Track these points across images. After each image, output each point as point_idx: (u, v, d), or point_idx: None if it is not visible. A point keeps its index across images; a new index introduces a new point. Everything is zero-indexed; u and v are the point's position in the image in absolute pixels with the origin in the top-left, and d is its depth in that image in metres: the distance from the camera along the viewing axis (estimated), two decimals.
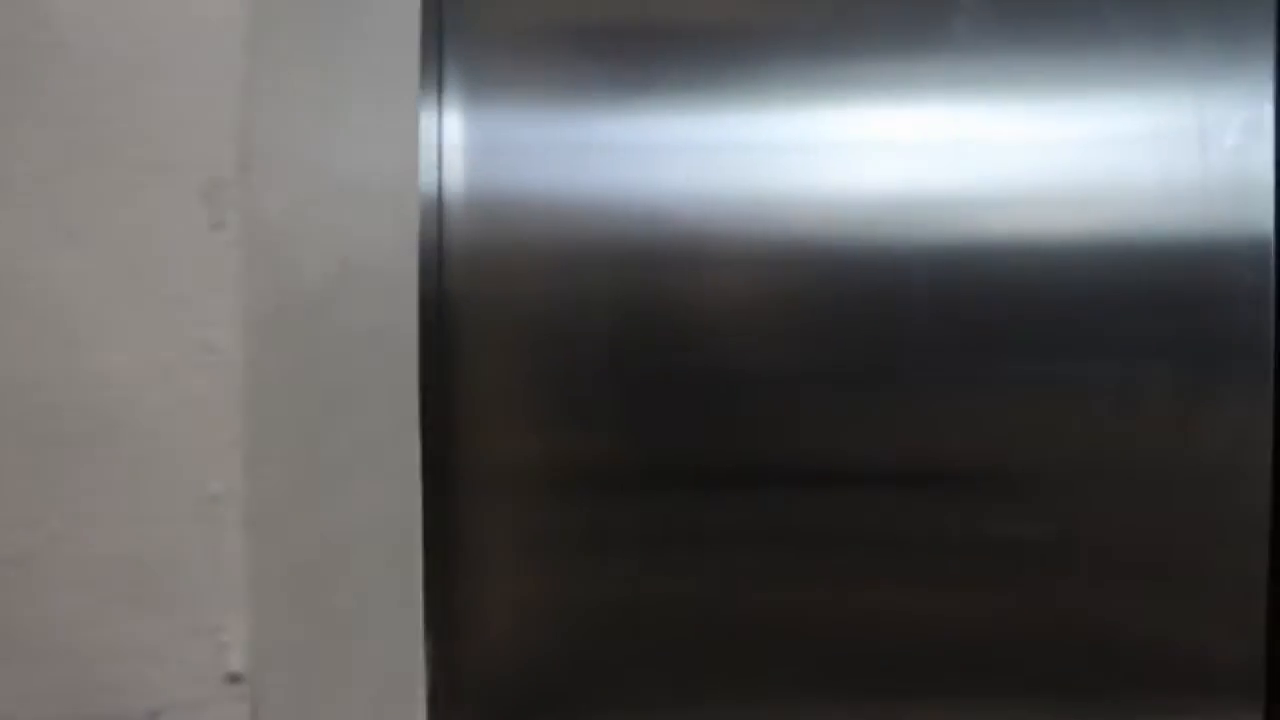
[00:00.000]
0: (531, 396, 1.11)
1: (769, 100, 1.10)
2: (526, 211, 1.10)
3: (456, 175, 1.10)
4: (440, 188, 1.10)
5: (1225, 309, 1.07)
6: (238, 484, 1.09)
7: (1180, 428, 1.08)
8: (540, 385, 1.11)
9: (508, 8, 1.13)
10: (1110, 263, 1.08)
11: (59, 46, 1.09)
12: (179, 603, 1.09)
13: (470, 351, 1.10)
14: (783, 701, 1.14)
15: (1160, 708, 1.13)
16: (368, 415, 1.10)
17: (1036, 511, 1.10)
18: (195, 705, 1.09)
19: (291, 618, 1.10)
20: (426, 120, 1.10)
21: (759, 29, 1.11)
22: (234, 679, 1.09)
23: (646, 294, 1.10)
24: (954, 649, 1.12)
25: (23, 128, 1.09)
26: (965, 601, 1.12)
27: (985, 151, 1.09)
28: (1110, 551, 1.10)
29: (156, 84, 1.08)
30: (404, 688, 1.11)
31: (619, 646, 1.13)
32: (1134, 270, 1.07)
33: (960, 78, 1.09)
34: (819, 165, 1.09)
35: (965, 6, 1.08)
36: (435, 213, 1.09)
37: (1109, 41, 1.08)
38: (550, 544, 1.12)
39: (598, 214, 1.10)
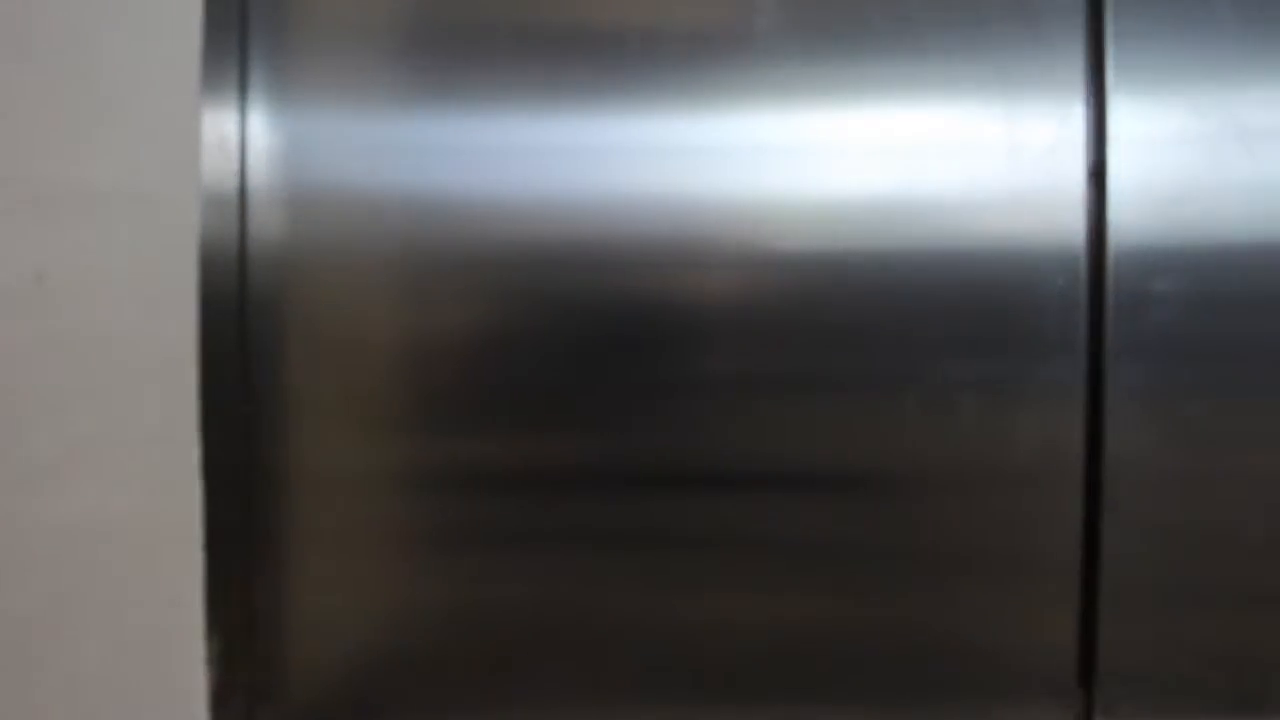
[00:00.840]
0: (331, 395, 1.09)
1: (569, 103, 1.09)
2: (328, 210, 1.08)
3: (260, 174, 1.08)
4: (243, 187, 1.07)
5: (1036, 313, 1.06)
6: None
7: (992, 429, 1.07)
8: (341, 384, 1.09)
9: (316, 7, 1.10)
10: (920, 267, 1.07)
11: None
12: None
13: (269, 351, 1.08)
14: (591, 706, 1.13)
15: (975, 707, 1.12)
16: (68, 422, 1.07)
17: (847, 512, 1.09)
18: None
19: None
20: (227, 119, 1.08)
21: (559, 32, 1.10)
22: None
23: (449, 293, 1.08)
24: (775, 652, 1.11)
25: None
26: (779, 604, 1.11)
27: (794, 159, 1.08)
28: (924, 552, 1.09)
29: None
30: (115, 689, 1.09)
31: (421, 648, 1.11)
32: (944, 275, 1.07)
33: (764, 83, 1.08)
34: (615, 168, 1.08)
35: (765, 8, 1.07)
36: (237, 211, 1.07)
37: (918, 46, 1.08)
38: (352, 545, 1.11)
39: (402, 213, 1.08)
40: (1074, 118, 1.07)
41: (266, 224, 1.07)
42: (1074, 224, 1.07)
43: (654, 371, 1.08)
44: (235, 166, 1.07)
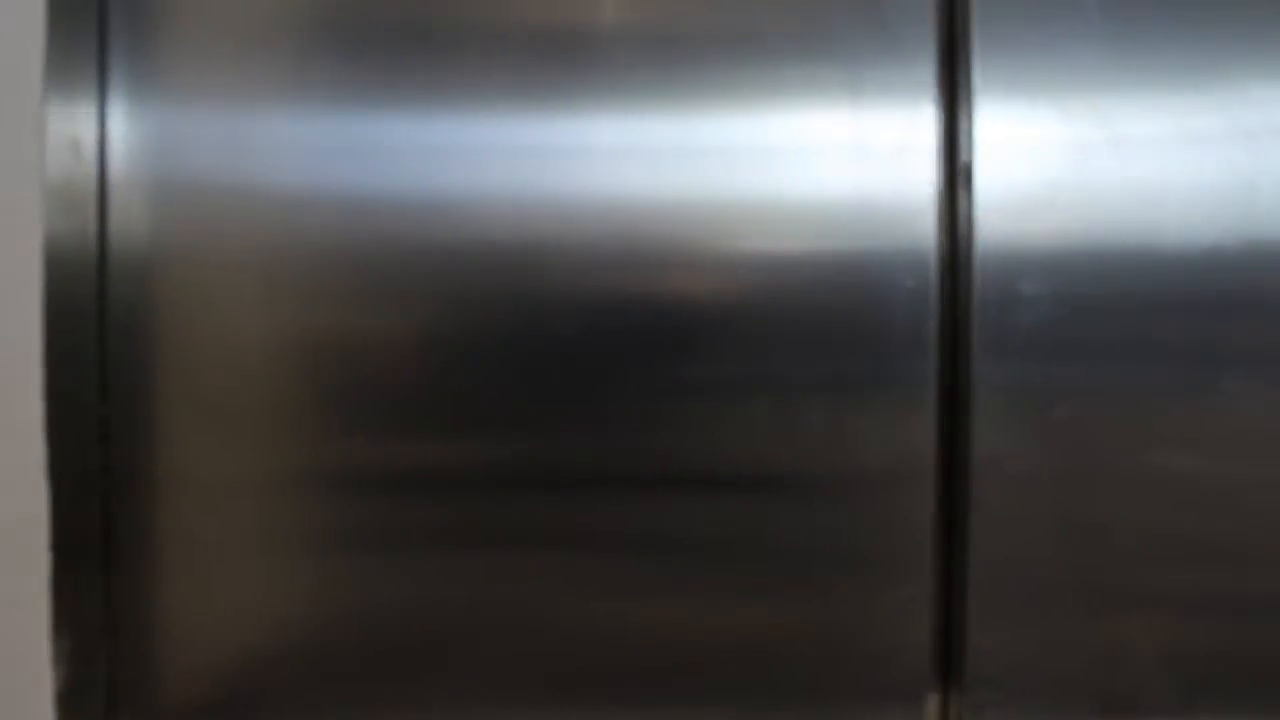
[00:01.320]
0: (194, 396, 1.09)
1: (435, 99, 1.09)
2: (192, 207, 1.08)
3: (121, 171, 1.08)
4: (103, 184, 1.07)
5: (887, 314, 1.07)
6: None
7: (843, 431, 1.07)
8: (204, 385, 1.09)
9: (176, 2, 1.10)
10: (769, 269, 1.07)
11: None
12: None
13: (129, 351, 1.07)
14: (452, 708, 1.13)
15: (833, 710, 1.12)
16: None
17: (700, 514, 1.09)
18: None
19: None
20: (84, 115, 1.07)
21: (427, 26, 1.10)
22: None
23: (318, 292, 1.08)
24: (626, 653, 1.12)
25: None
26: (633, 605, 1.11)
27: (641, 161, 1.08)
28: (779, 553, 1.09)
29: None
30: None
31: (289, 649, 1.11)
32: (793, 277, 1.07)
33: (610, 86, 1.08)
34: (481, 169, 1.08)
35: (612, 10, 1.07)
36: (96, 209, 1.07)
37: (766, 48, 1.08)
38: (216, 546, 1.10)
39: (270, 210, 1.08)
40: (924, 120, 1.07)
41: (128, 222, 1.07)
42: (924, 226, 1.07)
43: (507, 373, 1.08)
44: (94, 164, 1.07)
